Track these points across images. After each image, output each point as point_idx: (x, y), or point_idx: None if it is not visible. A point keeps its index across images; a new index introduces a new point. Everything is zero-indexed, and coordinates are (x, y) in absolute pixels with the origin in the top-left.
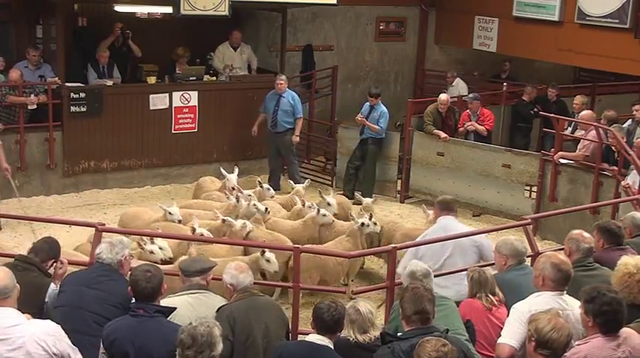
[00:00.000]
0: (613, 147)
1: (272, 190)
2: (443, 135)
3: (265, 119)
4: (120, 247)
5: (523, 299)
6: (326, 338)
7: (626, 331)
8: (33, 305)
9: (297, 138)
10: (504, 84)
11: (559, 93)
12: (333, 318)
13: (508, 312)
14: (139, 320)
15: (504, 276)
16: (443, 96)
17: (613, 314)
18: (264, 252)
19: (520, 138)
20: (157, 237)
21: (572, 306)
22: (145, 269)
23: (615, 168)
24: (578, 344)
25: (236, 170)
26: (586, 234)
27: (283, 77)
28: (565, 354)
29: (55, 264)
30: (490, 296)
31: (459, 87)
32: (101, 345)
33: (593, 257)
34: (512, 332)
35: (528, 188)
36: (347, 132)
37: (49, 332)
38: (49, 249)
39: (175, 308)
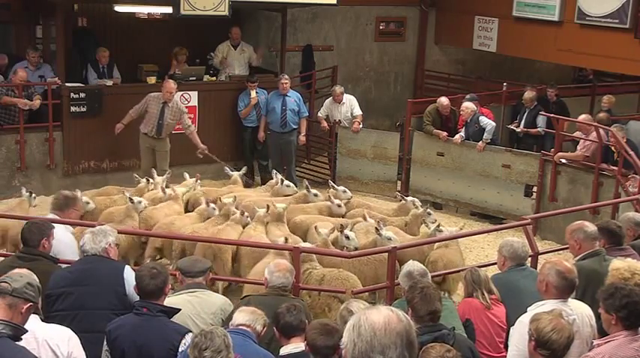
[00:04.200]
0: (613, 148)
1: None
2: (443, 134)
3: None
4: (102, 235)
5: (521, 299)
6: (300, 343)
7: None
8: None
9: (304, 138)
10: (504, 84)
11: (558, 93)
12: (298, 318)
13: (506, 312)
14: (142, 319)
15: (502, 277)
16: (444, 101)
17: (634, 305)
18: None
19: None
20: (158, 237)
21: (578, 311)
22: (151, 267)
23: (615, 168)
24: (598, 344)
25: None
26: (587, 222)
27: (287, 77)
28: (588, 354)
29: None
30: (487, 294)
31: (351, 103)
32: (104, 342)
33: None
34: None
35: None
36: (347, 132)
37: (64, 338)
38: (36, 231)
39: (179, 310)
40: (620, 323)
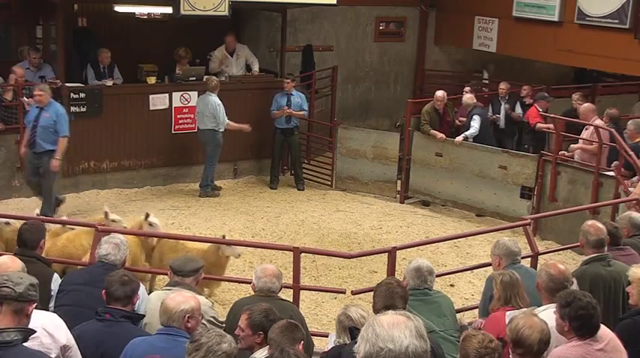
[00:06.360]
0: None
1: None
2: (440, 135)
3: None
4: (124, 247)
5: None
6: None
7: (606, 334)
8: (40, 296)
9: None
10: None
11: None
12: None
13: None
14: (104, 325)
15: None
16: (439, 93)
17: (589, 318)
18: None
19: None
20: (153, 236)
21: None
22: (122, 274)
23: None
24: (556, 347)
25: None
26: (599, 225)
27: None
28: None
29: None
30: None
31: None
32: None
33: None
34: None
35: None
36: (347, 132)
37: (58, 324)
38: (36, 232)
39: (144, 316)
40: (573, 332)
